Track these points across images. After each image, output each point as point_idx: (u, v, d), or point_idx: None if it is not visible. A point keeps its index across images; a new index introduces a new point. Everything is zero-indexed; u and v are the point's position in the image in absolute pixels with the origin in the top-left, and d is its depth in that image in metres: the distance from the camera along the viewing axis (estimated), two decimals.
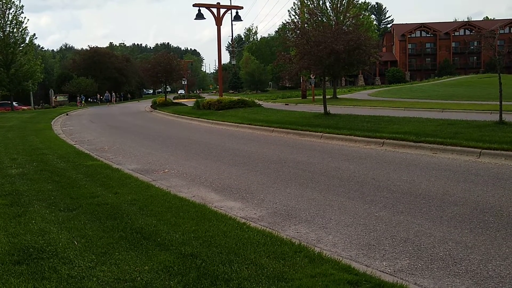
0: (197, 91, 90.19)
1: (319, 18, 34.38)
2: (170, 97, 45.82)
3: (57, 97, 59.44)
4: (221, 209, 6.25)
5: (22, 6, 42.65)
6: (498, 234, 4.97)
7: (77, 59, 69.90)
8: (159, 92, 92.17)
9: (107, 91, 57.52)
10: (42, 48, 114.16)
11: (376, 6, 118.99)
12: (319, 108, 22.44)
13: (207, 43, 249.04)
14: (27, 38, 43.49)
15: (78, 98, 55.80)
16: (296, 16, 38.44)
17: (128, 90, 75.80)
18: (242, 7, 27.93)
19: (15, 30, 42.14)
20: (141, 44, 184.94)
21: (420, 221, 5.51)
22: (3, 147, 13.39)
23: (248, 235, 4.94)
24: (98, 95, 59.49)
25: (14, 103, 45.89)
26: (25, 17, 42.77)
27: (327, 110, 18.71)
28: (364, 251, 4.72)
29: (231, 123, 18.76)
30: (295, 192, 7.24)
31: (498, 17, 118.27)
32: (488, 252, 4.52)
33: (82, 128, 21.57)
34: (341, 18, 35.53)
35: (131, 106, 45.75)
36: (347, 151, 11.21)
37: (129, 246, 4.67)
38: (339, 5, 37.65)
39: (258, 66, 79.78)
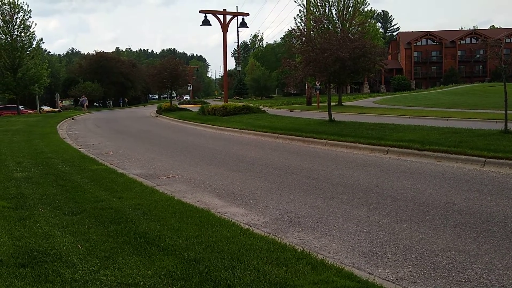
0: (182, 96, 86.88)
1: (325, 26, 34.45)
2: (176, 102, 45.93)
3: (63, 101, 59.57)
4: (224, 215, 6.26)
5: (30, 10, 42.71)
6: (501, 244, 4.95)
7: (83, 64, 70.27)
8: (164, 98, 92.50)
9: (83, 95, 52.35)
10: (49, 52, 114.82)
11: (382, 14, 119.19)
12: (324, 115, 22.45)
13: (213, 49, 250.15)
14: (34, 43, 43.75)
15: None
16: (302, 23, 38.49)
17: (133, 95, 75.94)
18: (248, 14, 28.06)
19: (22, 34, 42.41)
20: (147, 50, 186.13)
21: (423, 229, 5.51)
22: (9, 150, 13.47)
23: (251, 241, 4.95)
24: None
25: (20, 106, 46.13)
26: (32, 22, 43.04)
27: (332, 117, 18.73)
28: (366, 258, 4.72)
29: (235, 129, 18.80)
30: (299, 199, 7.25)
31: (507, 25, 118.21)
32: (491, 261, 4.51)
33: (87, 132, 21.66)
34: (347, 26, 35.57)
35: (136, 111, 45.92)
36: (351, 158, 11.21)
37: (132, 250, 4.69)
38: (345, 13, 37.70)
39: (263, 73, 79.87)
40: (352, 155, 11.66)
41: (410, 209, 6.39)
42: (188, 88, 57.87)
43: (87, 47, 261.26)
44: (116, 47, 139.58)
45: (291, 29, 21.44)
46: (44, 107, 52.78)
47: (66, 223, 5.67)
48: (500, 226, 5.51)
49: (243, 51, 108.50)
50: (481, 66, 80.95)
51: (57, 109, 50.56)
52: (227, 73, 29.79)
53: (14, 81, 42.17)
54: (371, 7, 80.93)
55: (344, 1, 37.87)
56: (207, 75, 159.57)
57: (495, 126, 15.09)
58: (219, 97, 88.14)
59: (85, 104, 48.21)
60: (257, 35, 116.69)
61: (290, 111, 32.88)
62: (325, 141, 13.65)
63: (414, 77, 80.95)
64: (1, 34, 41.59)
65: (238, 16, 30.41)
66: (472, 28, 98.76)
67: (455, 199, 6.86)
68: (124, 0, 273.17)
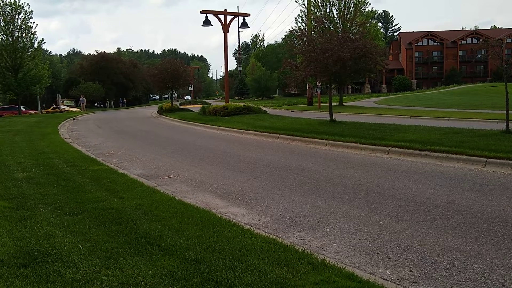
0: (183, 97, 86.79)
1: (326, 26, 34.41)
2: (177, 103, 45.94)
3: (64, 101, 59.61)
4: (225, 215, 6.26)
5: (31, 11, 42.86)
6: (502, 244, 4.95)
7: (84, 64, 70.24)
8: (165, 98, 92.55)
9: (81, 95, 52.30)
10: (50, 52, 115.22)
11: (383, 14, 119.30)
12: (325, 115, 22.44)
13: (214, 50, 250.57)
14: (36, 43, 43.84)
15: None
16: (303, 23, 38.48)
17: (134, 96, 75.95)
18: (249, 14, 28.06)
19: (23, 35, 42.48)
20: (148, 50, 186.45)
21: (424, 230, 5.50)
22: (10, 150, 13.49)
23: (252, 241, 4.95)
24: None
25: (21, 107, 46.18)
26: (34, 22, 43.14)
27: (333, 117, 18.72)
28: (367, 258, 4.72)
29: (236, 130, 18.80)
30: (300, 199, 7.25)
31: (508, 25, 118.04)
32: (493, 261, 4.50)
33: (88, 132, 21.67)
34: (348, 26, 35.58)
35: (137, 112, 45.93)
36: (352, 158, 11.20)
37: (133, 250, 4.70)
38: (346, 13, 37.69)
39: (264, 73, 79.91)
40: (353, 156, 11.65)
41: (411, 209, 6.38)
42: (189, 88, 57.79)
43: (88, 48, 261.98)
44: (117, 48, 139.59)
45: (292, 29, 21.46)
46: (62, 106, 53.05)
47: (67, 223, 5.67)
48: (501, 226, 5.51)
49: (244, 51, 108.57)
50: (482, 66, 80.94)
51: (58, 110, 50.84)
52: (228, 74, 29.80)
53: (15, 82, 42.26)
54: (372, 8, 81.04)
55: (345, 2, 37.88)
56: (208, 75, 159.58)
57: (496, 126, 15.06)
58: (220, 98, 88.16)
59: (83, 104, 48.15)
60: (258, 35, 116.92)
61: (291, 111, 32.85)
62: (326, 141, 13.65)
63: (415, 77, 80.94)
64: (2, 34, 41.72)
65: (239, 17, 30.39)
66: (473, 28, 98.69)
67: (456, 199, 6.85)
68: (125, 0, 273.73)
